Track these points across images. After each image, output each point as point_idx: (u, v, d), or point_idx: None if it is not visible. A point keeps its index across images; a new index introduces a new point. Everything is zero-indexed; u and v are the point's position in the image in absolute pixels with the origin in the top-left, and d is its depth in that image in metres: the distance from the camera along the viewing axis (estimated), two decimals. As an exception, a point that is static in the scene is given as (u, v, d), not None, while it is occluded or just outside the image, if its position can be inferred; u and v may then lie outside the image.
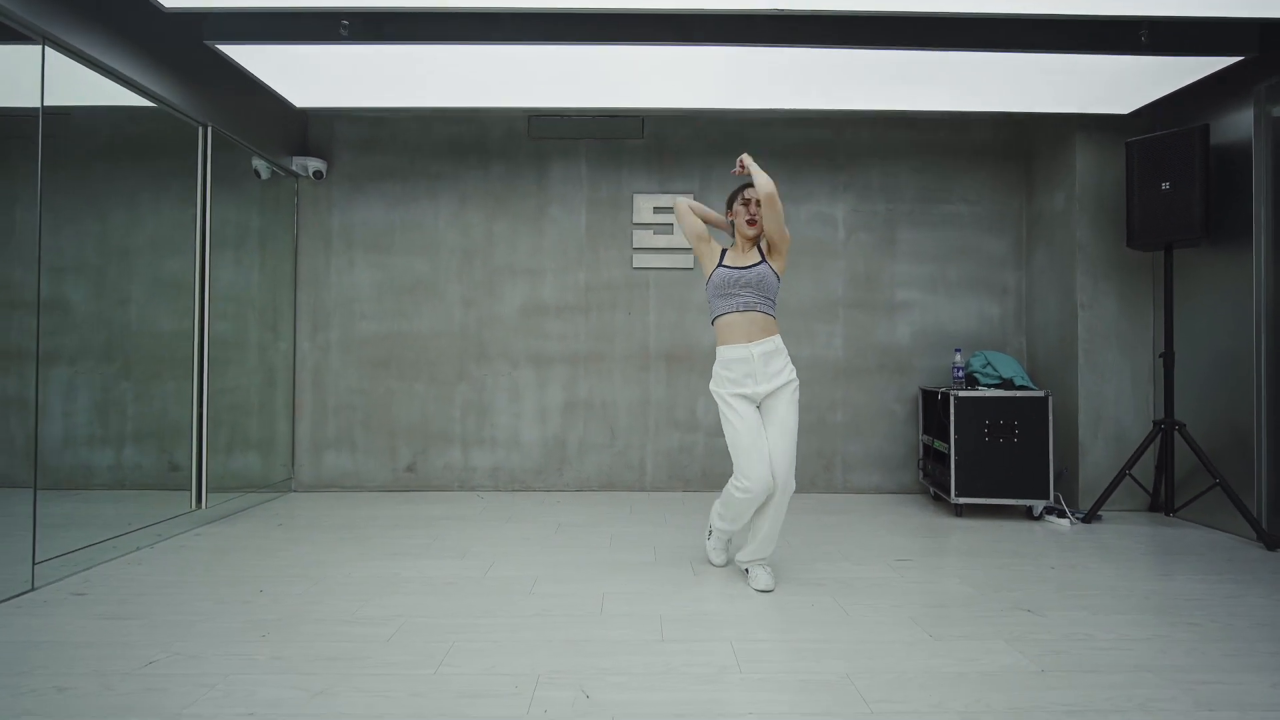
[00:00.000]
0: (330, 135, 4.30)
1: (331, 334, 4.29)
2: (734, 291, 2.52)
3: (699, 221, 2.65)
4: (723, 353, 2.55)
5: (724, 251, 2.65)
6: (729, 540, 2.81)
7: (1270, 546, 3.02)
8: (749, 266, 2.54)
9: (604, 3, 2.70)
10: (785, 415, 2.47)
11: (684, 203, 2.68)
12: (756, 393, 2.49)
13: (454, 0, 2.59)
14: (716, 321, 2.59)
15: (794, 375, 2.53)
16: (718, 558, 2.77)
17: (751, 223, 2.56)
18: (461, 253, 4.30)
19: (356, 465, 4.26)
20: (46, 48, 2.53)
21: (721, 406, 2.53)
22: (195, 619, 2.15)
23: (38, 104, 2.55)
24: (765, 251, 2.60)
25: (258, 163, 4.02)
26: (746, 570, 2.59)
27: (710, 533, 2.78)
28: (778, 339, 2.53)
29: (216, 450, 3.91)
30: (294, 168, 4.19)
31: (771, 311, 2.54)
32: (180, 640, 1.98)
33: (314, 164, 4.21)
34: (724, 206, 2.73)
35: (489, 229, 4.31)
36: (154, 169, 3.55)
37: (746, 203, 2.57)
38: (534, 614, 2.23)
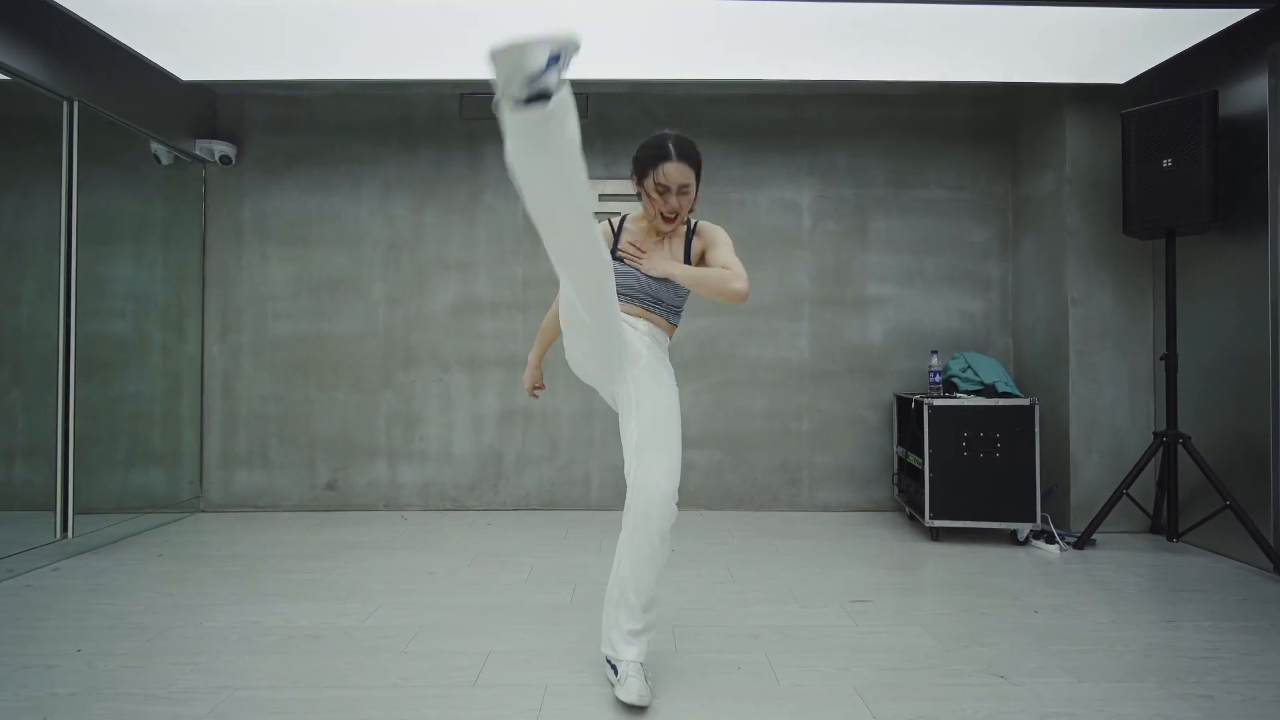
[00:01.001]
0: (239, 116, 3.87)
1: (243, 336, 3.87)
2: (630, 293, 1.86)
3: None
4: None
5: (621, 223, 1.97)
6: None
7: (1290, 580, 2.60)
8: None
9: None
10: (643, 396, 1.77)
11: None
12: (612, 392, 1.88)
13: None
14: None
15: (657, 355, 1.85)
16: None
17: (668, 219, 1.84)
18: (386, 245, 3.88)
19: (271, 482, 3.84)
20: None
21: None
22: (-35, 696, 1.73)
23: None
24: (689, 247, 1.91)
25: (157, 147, 3.60)
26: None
27: None
28: (657, 332, 1.88)
29: (114, 466, 3.52)
30: (198, 152, 3.77)
31: (675, 320, 1.94)
32: (-81, 732, 1.57)
33: (220, 148, 3.78)
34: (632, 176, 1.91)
35: (417, 219, 3.88)
36: (50, 155, 3.12)
37: (664, 190, 1.79)
38: (393, 683, 1.81)
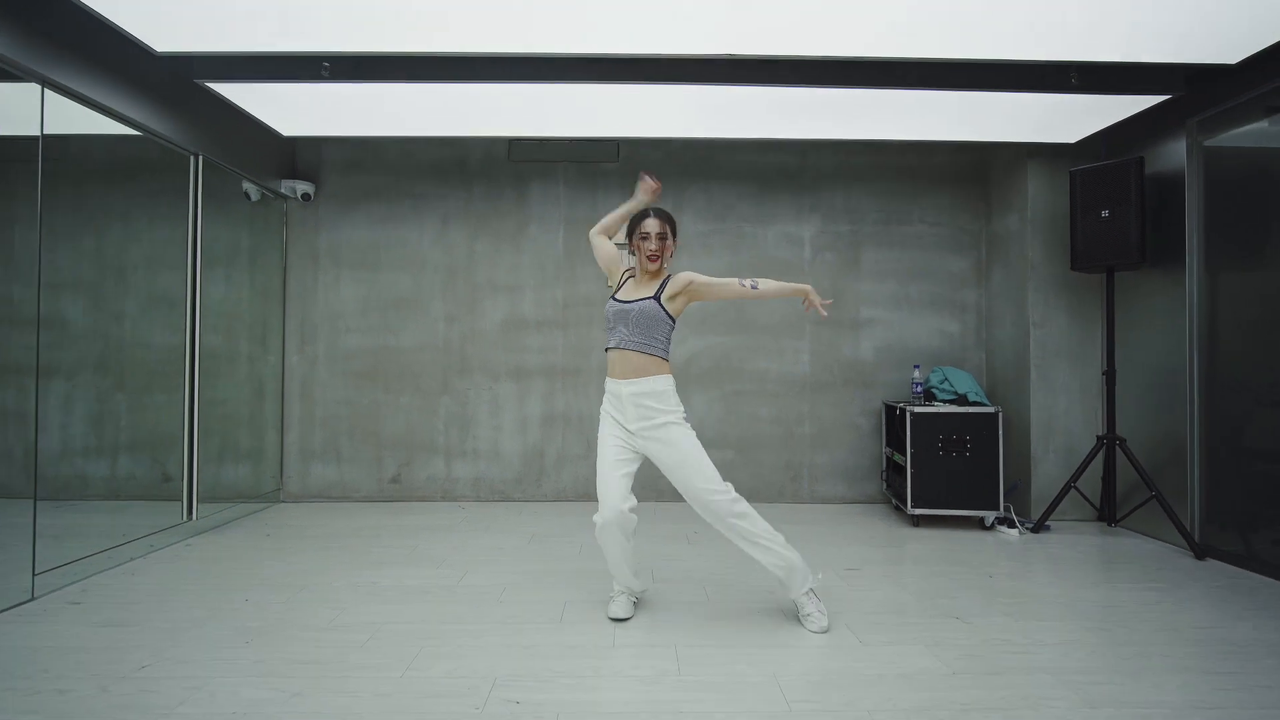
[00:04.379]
0: (317, 158, 4.47)
1: (319, 347, 4.46)
2: (612, 326, 2.41)
3: (608, 250, 2.58)
4: (606, 383, 2.48)
5: (625, 279, 2.53)
6: (624, 587, 2.53)
7: (1199, 556, 3.21)
8: (632, 301, 2.39)
9: (575, 48, 2.88)
10: (671, 453, 2.33)
11: (595, 232, 2.59)
12: (627, 429, 2.39)
13: (427, 46, 2.77)
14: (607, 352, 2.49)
15: (673, 418, 2.34)
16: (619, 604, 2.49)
17: (653, 259, 2.42)
18: (444, 270, 4.48)
19: (343, 476, 4.43)
20: (45, 89, 2.70)
21: (601, 426, 2.48)
22: (184, 626, 2.32)
23: (38, 133, 2.71)
24: (663, 289, 2.40)
25: (248, 186, 4.19)
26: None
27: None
28: (655, 380, 2.34)
29: (207, 461, 4.06)
30: (283, 190, 4.36)
31: (652, 350, 2.36)
32: (171, 646, 2.16)
33: (302, 186, 4.38)
34: (638, 229, 2.47)
35: (470, 247, 4.49)
36: (147, 190, 3.71)
37: (646, 237, 2.41)
38: (499, 621, 2.41)
